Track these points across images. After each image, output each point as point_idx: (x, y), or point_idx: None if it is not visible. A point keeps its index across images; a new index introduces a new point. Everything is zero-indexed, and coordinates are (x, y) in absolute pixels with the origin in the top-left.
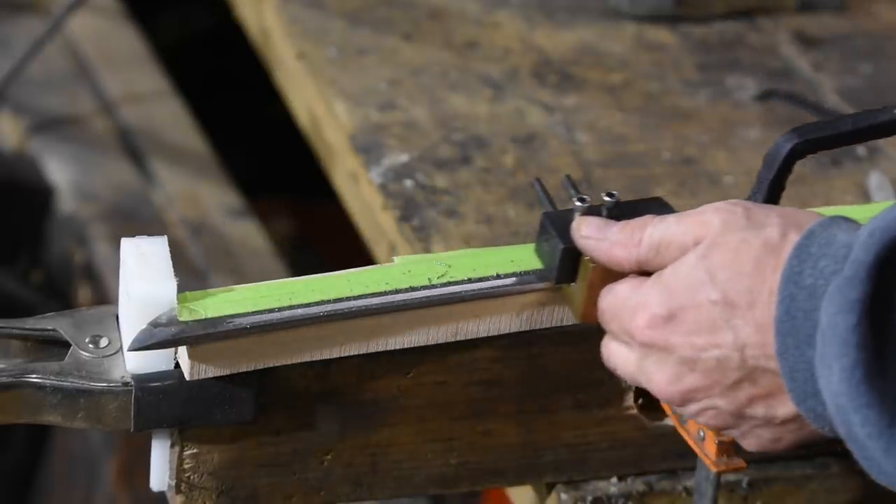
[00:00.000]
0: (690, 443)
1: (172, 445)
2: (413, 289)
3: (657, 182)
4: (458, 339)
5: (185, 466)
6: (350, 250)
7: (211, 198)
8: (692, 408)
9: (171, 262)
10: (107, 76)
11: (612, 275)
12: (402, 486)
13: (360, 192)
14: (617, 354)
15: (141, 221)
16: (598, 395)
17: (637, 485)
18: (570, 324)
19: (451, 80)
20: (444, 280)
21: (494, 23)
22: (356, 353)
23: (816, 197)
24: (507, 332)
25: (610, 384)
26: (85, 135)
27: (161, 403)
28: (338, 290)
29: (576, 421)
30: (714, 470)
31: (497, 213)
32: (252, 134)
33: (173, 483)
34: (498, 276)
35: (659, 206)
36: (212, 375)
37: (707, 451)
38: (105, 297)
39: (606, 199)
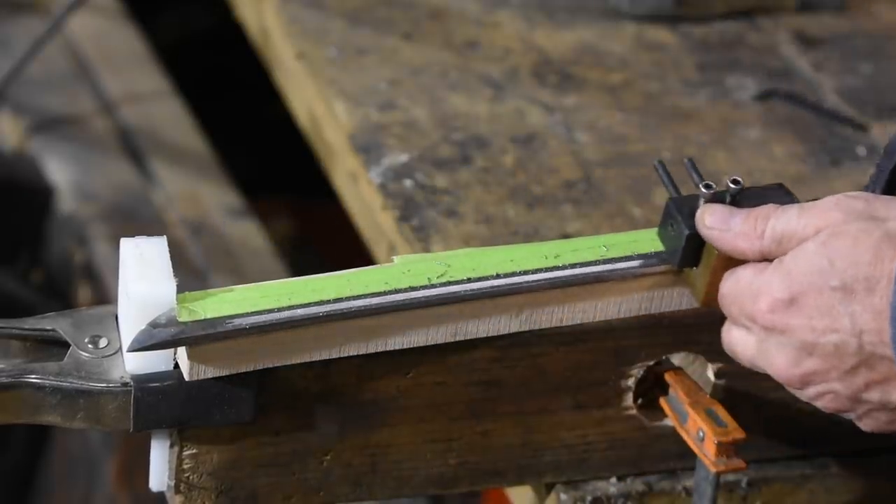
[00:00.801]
0: (690, 443)
1: (172, 446)
2: (412, 289)
3: (657, 182)
4: (458, 339)
5: (185, 467)
6: (350, 250)
7: (211, 198)
8: (811, 391)
9: (170, 263)
10: (107, 76)
11: (734, 261)
12: (401, 486)
13: (359, 191)
14: (737, 339)
15: (141, 221)
16: (597, 395)
17: (636, 485)
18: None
19: (451, 80)
20: (444, 280)
21: (494, 23)
22: (356, 353)
23: (816, 197)
24: (506, 332)
25: (609, 385)
26: (85, 135)
27: (160, 404)
28: (337, 290)
29: (575, 421)
30: (713, 470)
31: (496, 213)
32: (252, 134)
33: (172, 483)
34: (498, 276)
35: (782, 195)
36: (211, 376)
37: (706, 451)
38: (105, 297)
39: (731, 185)
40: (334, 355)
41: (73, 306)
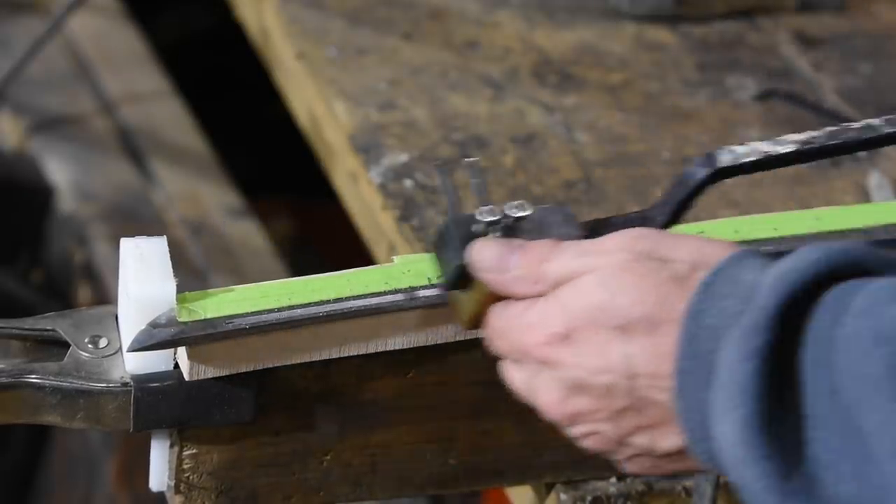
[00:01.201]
0: None
1: (172, 446)
2: (413, 288)
3: (657, 182)
4: (458, 339)
5: (185, 467)
6: (350, 250)
7: (211, 198)
8: (577, 429)
9: (170, 263)
10: (107, 76)
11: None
12: (401, 486)
13: (359, 191)
14: (509, 372)
15: (141, 221)
16: None
17: (636, 485)
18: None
19: (451, 80)
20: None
21: (494, 23)
22: (356, 353)
23: (816, 197)
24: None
25: None
26: (85, 135)
27: (160, 404)
28: (337, 290)
29: None
30: None
31: None
32: (252, 134)
33: (172, 483)
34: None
35: (565, 221)
36: (211, 376)
37: None
38: (105, 297)
39: (514, 211)
40: (334, 355)
41: (73, 306)
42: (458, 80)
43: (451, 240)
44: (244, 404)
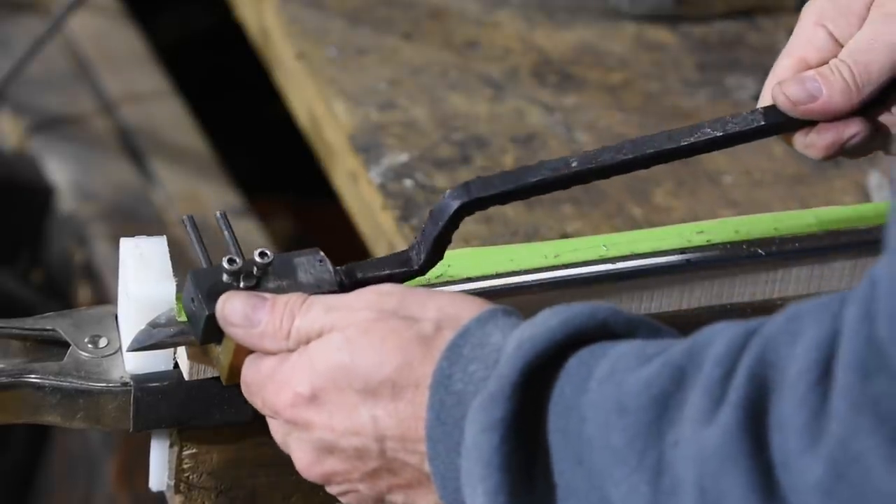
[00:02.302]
0: None
1: (171, 445)
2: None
3: (657, 182)
4: None
5: (184, 466)
6: (350, 250)
7: (211, 198)
8: (335, 489)
9: (170, 263)
10: (107, 76)
11: None
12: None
13: (359, 191)
14: (270, 426)
15: (141, 221)
16: None
17: None
18: None
19: (451, 80)
20: (444, 279)
21: (494, 22)
22: None
23: (816, 197)
24: None
25: None
26: (85, 134)
27: (160, 404)
28: None
29: None
30: None
31: (496, 213)
32: (252, 134)
33: (172, 483)
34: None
35: (315, 262)
36: (211, 376)
37: None
38: (105, 296)
39: (258, 259)
40: None
41: (73, 306)
42: (458, 79)
43: (197, 292)
44: (244, 404)
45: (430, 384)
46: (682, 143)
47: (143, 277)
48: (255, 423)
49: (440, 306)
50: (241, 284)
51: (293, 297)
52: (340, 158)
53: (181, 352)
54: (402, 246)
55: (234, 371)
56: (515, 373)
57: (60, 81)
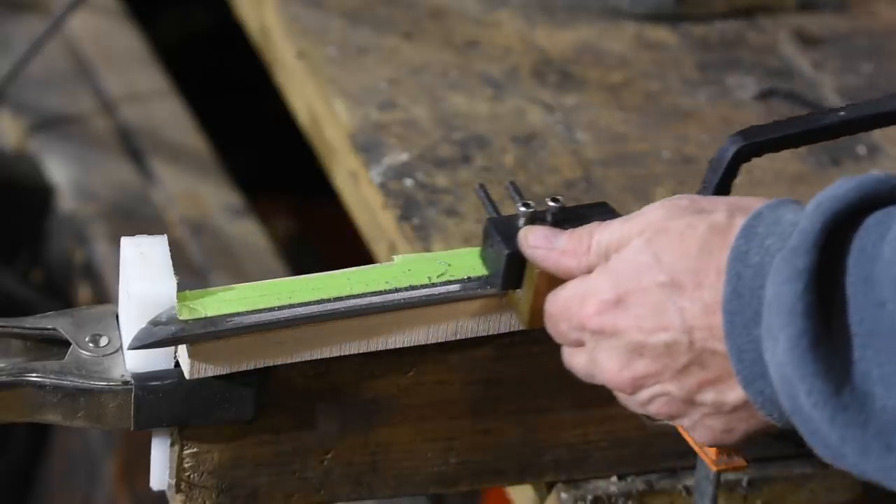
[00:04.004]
0: (690, 442)
1: (172, 444)
2: (413, 287)
3: (657, 181)
4: (458, 337)
5: (185, 465)
6: (350, 249)
7: (211, 197)
8: (643, 394)
9: (170, 262)
10: (107, 75)
11: (557, 280)
12: (402, 485)
13: (360, 191)
14: (570, 354)
15: (141, 221)
16: (598, 393)
17: (637, 484)
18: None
19: (452, 80)
20: (444, 279)
21: (495, 22)
22: (356, 351)
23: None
24: (507, 330)
25: None
26: (85, 134)
27: (161, 402)
28: (338, 289)
29: (576, 420)
30: (714, 469)
31: None
32: (252, 133)
33: (173, 482)
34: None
35: (604, 212)
36: (212, 374)
37: (707, 450)
38: (105, 296)
39: (551, 204)
40: (335, 354)
41: (73, 306)
42: (458, 79)
43: (496, 236)
44: (245, 403)
45: (728, 261)
46: None
47: (144, 276)
48: (256, 423)
49: (731, 201)
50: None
51: (591, 224)
52: (341, 158)
53: (182, 350)
54: (402, 245)
55: (537, 312)
56: (818, 227)
57: (60, 81)
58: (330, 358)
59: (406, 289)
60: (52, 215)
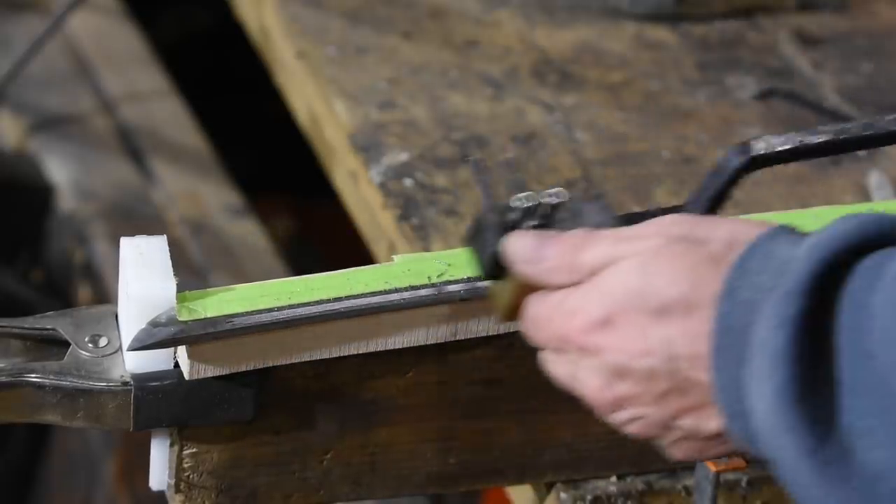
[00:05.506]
0: None
1: (172, 445)
2: (413, 287)
3: (657, 181)
4: (458, 338)
5: (185, 466)
6: (350, 249)
7: (211, 197)
8: (622, 415)
9: (170, 262)
10: (107, 75)
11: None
12: (401, 485)
13: (359, 190)
14: (551, 361)
15: (141, 220)
16: None
17: (636, 484)
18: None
19: (451, 79)
20: (444, 279)
21: (494, 22)
22: (356, 352)
23: (816, 196)
24: (507, 331)
25: None
26: (85, 134)
27: (160, 403)
28: (337, 289)
29: (575, 420)
30: (713, 469)
31: None
32: (252, 133)
33: (173, 482)
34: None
35: (600, 210)
36: (211, 375)
37: None
38: (105, 296)
39: (549, 198)
40: (334, 354)
41: (73, 305)
42: (458, 79)
43: (487, 228)
44: (244, 403)
45: (719, 295)
46: None
47: (144, 277)
48: (256, 423)
49: (728, 229)
50: (530, 224)
51: (580, 232)
52: (340, 158)
53: (182, 351)
54: (402, 245)
55: (513, 310)
56: (808, 272)
57: (60, 81)
58: (329, 358)
59: (406, 289)
60: (52, 215)
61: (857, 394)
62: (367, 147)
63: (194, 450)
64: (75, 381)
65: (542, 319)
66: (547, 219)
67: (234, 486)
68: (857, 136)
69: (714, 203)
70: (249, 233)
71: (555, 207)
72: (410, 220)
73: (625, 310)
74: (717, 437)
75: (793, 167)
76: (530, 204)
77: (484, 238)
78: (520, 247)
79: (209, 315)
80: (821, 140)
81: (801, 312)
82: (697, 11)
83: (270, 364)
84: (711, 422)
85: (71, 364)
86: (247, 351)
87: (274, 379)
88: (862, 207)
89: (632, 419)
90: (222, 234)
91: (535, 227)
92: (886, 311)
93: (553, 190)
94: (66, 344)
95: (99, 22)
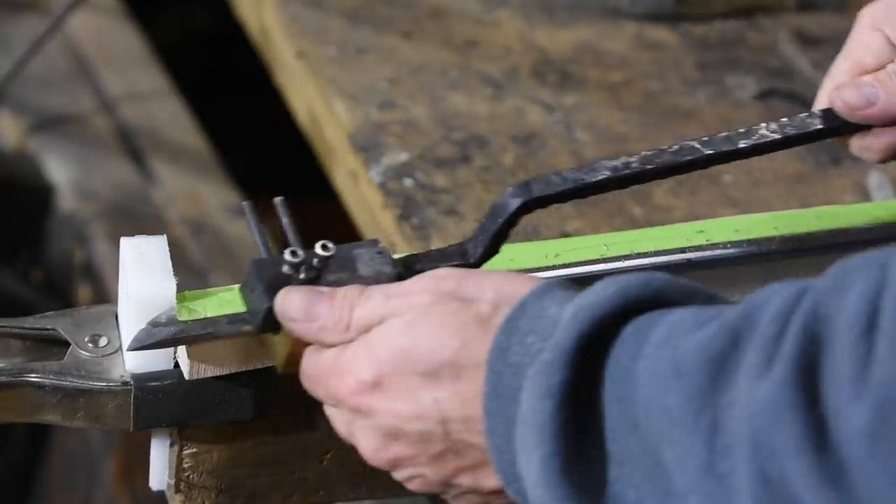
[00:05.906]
0: None
1: (172, 445)
2: None
3: (657, 181)
4: None
5: (185, 465)
6: None
7: (211, 197)
8: (401, 474)
9: (170, 262)
10: (107, 75)
11: None
12: (401, 485)
13: (359, 190)
14: (332, 415)
15: (141, 220)
16: None
17: None
18: None
19: (451, 79)
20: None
21: (494, 22)
22: None
23: (816, 196)
24: None
25: None
26: (85, 134)
27: (160, 403)
28: None
29: None
30: None
31: None
32: (252, 133)
33: (172, 482)
34: None
35: (375, 256)
36: (211, 375)
37: None
38: (105, 296)
39: (320, 251)
40: None
41: (73, 305)
42: (458, 79)
43: (258, 283)
44: (244, 403)
45: (488, 358)
46: (741, 146)
47: (144, 277)
48: (256, 423)
49: (497, 286)
50: (302, 276)
51: (351, 289)
52: (340, 157)
53: (181, 351)
54: (402, 245)
55: (292, 361)
56: (572, 341)
57: (60, 81)
58: None
59: None
60: (52, 215)
61: (625, 463)
62: (367, 147)
63: (194, 450)
64: (75, 381)
65: (316, 377)
66: (320, 270)
67: (233, 486)
68: (637, 170)
69: (493, 244)
70: (249, 233)
71: (326, 259)
72: (410, 220)
73: (395, 371)
74: (498, 492)
75: (792, 167)
76: (298, 259)
77: (255, 292)
78: (290, 306)
79: (209, 315)
80: (601, 178)
81: (563, 383)
82: (697, 11)
83: (270, 364)
84: (490, 479)
85: (71, 364)
86: (247, 351)
87: (274, 379)
88: (862, 207)
89: (411, 477)
90: (222, 234)
91: (308, 282)
92: (650, 380)
93: (321, 242)
94: (66, 344)
95: (99, 22)
